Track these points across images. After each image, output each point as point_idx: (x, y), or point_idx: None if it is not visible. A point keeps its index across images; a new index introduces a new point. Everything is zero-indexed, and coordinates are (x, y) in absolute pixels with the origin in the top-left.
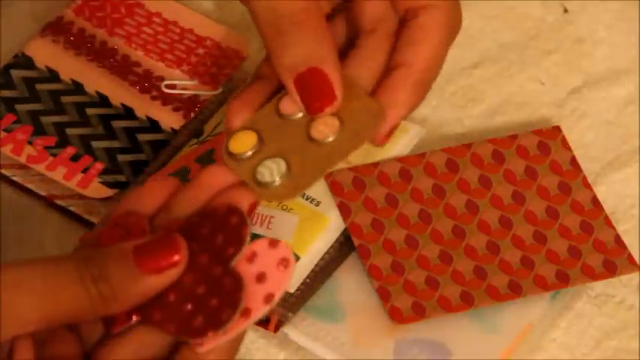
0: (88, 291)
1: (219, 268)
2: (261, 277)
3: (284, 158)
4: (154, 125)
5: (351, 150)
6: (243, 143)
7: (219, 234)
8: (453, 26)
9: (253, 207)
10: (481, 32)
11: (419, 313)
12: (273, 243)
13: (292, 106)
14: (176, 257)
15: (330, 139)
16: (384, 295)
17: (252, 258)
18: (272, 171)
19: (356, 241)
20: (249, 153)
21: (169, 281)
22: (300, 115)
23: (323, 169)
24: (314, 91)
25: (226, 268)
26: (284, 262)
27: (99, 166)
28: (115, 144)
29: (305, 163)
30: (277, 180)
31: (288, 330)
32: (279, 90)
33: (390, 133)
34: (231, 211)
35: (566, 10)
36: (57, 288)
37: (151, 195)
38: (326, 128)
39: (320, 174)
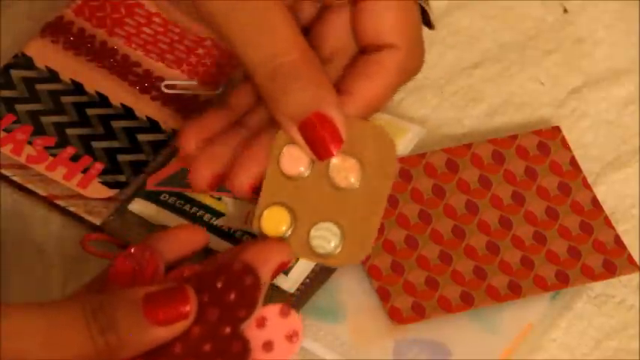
0: (94, 341)
1: (229, 329)
2: (268, 346)
3: (329, 220)
4: (153, 125)
5: (387, 179)
6: (278, 222)
7: (232, 291)
8: (408, 70)
9: (284, 266)
10: (481, 32)
11: (419, 313)
12: (285, 311)
13: (295, 164)
14: (187, 308)
15: (357, 183)
16: (384, 295)
17: (261, 323)
18: (328, 239)
19: None
20: (289, 231)
21: (177, 333)
22: (309, 169)
23: (373, 212)
24: (321, 136)
25: (235, 331)
26: (294, 335)
27: (99, 166)
28: (115, 144)
29: (351, 214)
30: (339, 245)
31: None
32: (238, 120)
33: None
34: (246, 270)
35: (566, 10)
36: (62, 336)
37: (175, 241)
38: (348, 173)
39: (375, 215)
